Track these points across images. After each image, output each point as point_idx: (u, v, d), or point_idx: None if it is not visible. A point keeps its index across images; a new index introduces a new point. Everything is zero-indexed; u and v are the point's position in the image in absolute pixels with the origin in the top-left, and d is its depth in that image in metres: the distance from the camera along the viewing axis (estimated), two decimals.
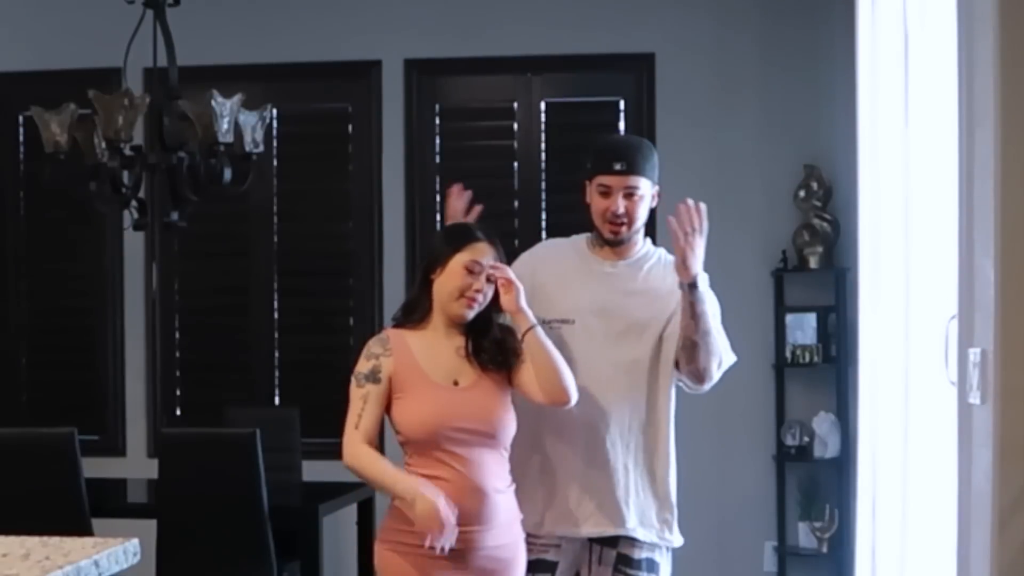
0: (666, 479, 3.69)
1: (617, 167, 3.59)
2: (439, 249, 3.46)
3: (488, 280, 3.41)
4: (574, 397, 3.42)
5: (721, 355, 3.60)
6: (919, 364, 4.27)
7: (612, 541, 3.62)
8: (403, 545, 3.35)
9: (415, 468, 3.37)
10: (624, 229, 3.62)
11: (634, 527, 3.61)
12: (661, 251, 3.77)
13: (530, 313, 3.43)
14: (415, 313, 3.47)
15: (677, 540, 3.70)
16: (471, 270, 3.39)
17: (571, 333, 3.62)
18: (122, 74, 4.86)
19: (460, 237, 3.46)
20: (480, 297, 3.40)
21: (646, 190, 3.62)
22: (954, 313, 3.29)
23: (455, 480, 3.33)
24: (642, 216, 3.63)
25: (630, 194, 3.59)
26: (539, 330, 3.41)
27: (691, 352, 3.53)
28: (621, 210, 3.59)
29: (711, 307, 3.53)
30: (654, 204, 3.69)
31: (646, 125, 6.25)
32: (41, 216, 6.68)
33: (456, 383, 3.40)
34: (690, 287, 3.45)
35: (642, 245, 3.74)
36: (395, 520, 3.38)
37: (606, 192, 3.61)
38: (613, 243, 3.66)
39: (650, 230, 3.83)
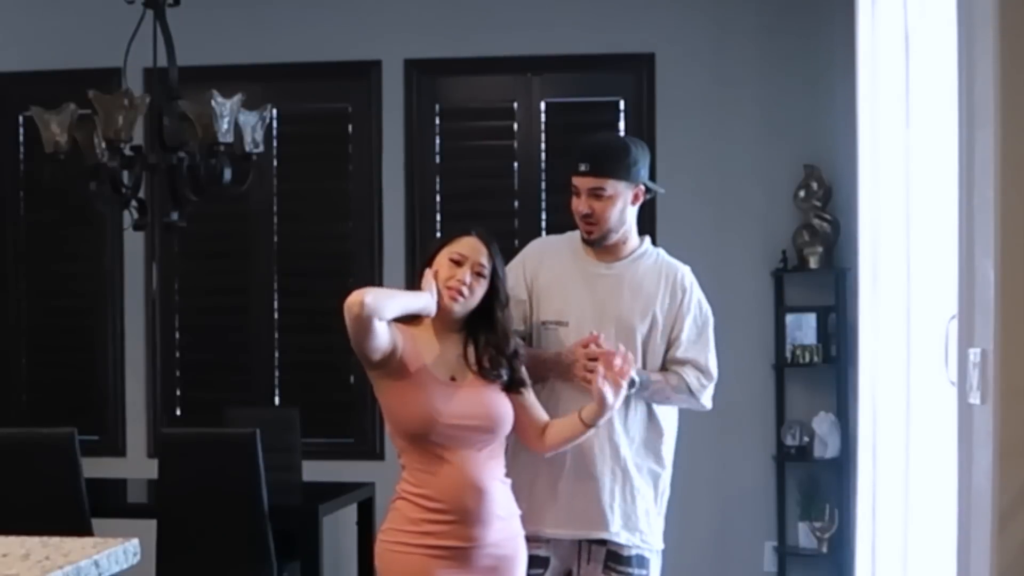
0: (658, 483, 3.69)
1: (582, 168, 3.64)
2: (431, 250, 3.47)
3: (480, 275, 3.40)
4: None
5: (690, 403, 3.73)
6: (919, 364, 4.27)
7: (602, 539, 3.63)
8: (405, 545, 3.34)
9: (413, 466, 3.35)
10: (595, 229, 3.64)
11: (617, 531, 3.62)
12: (659, 251, 3.78)
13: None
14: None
15: (658, 545, 3.71)
16: (455, 261, 3.38)
17: (566, 335, 3.63)
18: (122, 74, 4.86)
19: (450, 233, 3.48)
20: (464, 289, 3.37)
21: (616, 190, 3.62)
22: (954, 313, 3.29)
23: (453, 477, 3.31)
24: (614, 216, 3.64)
25: (597, 195, 3.62)
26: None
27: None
28: (586, 210, 3.63)
29: (657, 388, 3.64)
30: (635, 204, 3.69)
31: (646, 125, 6.25)
32: (41, 216, 6.68)
33: (453, 379, 3.39)
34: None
35: (639, 244, 3.75)
36: (397, 520, 3.37)
37: (576, 192, 3.66)
38: (589, 243, 3.68)
39: (650, 229, 3.84)
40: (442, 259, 3.40)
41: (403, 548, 3.34)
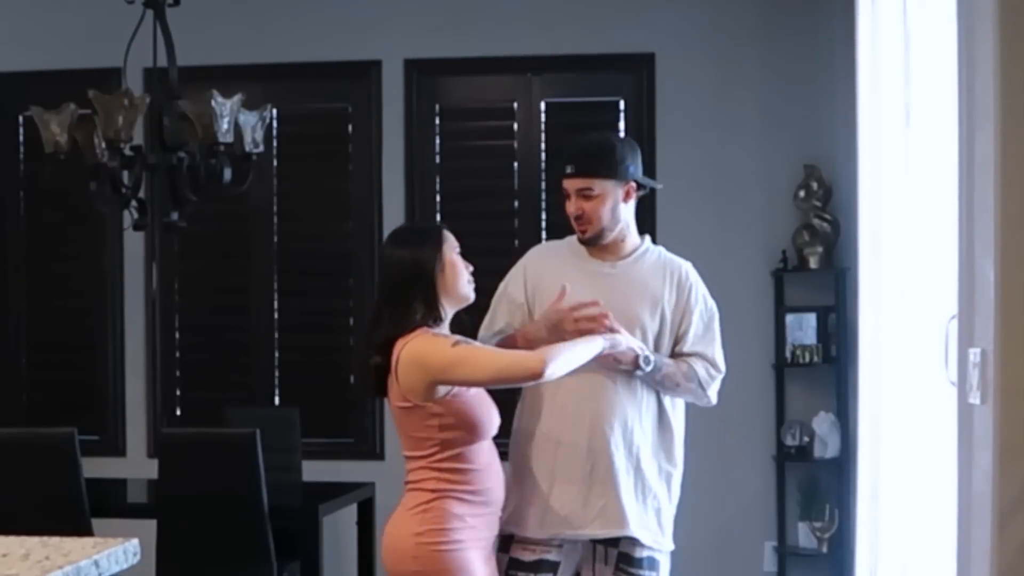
0: (669, 482, 3.69)
1: (569, 170, 3.67)
2: (425, 254, 3.35)
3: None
4: None
5: (697, 395, 3.72)
6: (919, 364, 4.27)
7: (614, 541, 3.63)
8: (456, 542, 3.32)
9: (469, 467, 3.34)
10: (588, 228, 3.65)
11: (636, 528, 3.61)
12: (660, 248, 3.78)
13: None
14: (437, 317, 3.37)
15: (668, 545, 3.71)
16: (462, 255, 3.43)
17: None
18: (122, 74, 4.87)
19: (435, 233, 3.42)
20: None
21: (604, 189, 3.63)
22: (954, 313, 3.29)
23: (498, 468, 3.41)
24: (605, 215, 3.64)
25: (586, 195, 3.63)
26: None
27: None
28: (577, 211, 3.66)
29: (669, 372, 3.63)
30: (628, 201, 3.69)
31: (646, 125, 6.25)
32: (41, 216, 6.68)
33: None
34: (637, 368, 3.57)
35: (639, 243, 3.75)
36: (441, 519, 3.32)
37: (567, 195, 3.68)
38: (585, 243, 3.69)
39: (650, 229, 3.84)
40: (454, 257, 3.39)
41: (455, 545, 3.32)
